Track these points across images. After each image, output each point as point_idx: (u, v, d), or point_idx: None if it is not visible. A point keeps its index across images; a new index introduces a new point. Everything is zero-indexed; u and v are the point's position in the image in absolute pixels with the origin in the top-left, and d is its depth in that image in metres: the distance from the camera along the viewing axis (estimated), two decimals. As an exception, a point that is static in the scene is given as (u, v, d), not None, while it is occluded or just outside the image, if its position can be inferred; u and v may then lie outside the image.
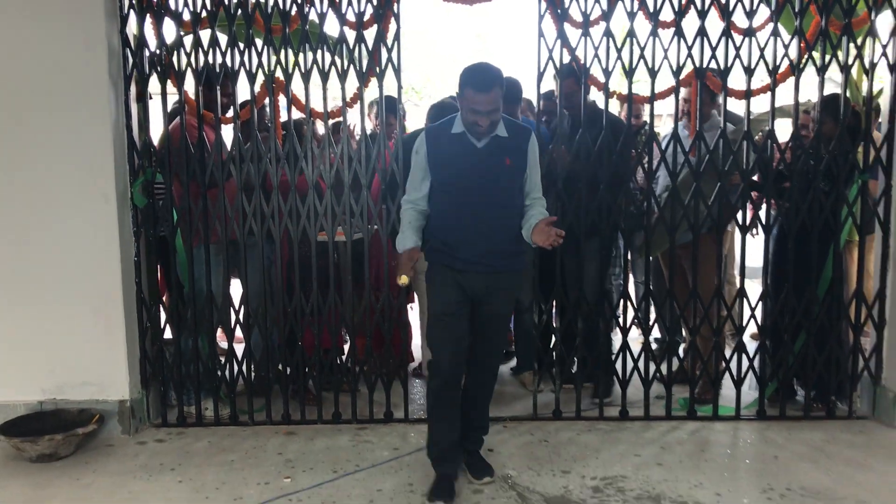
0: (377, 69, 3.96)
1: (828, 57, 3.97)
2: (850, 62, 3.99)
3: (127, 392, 3.99)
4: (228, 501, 3.25)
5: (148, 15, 3.95)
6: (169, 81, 3.99)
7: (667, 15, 3.96)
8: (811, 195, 4.02)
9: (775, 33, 3.95)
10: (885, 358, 4.15)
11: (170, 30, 3.99)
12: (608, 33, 3.94)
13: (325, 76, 3.97)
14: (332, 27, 4.00)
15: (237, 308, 4.17)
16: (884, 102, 4.27)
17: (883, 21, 4.00)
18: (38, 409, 3.93)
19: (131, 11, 3.92)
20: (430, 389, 3.27)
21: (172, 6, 3.96)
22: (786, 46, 3.97)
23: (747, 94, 4.00)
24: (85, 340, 3.94)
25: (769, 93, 4.02)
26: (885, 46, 3.98)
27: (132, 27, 3.96)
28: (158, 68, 3.97)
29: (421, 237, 3.26)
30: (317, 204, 3.99)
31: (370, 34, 3.97)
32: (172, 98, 4.13)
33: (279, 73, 3.99)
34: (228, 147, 4.06)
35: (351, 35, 3.97)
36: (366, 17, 3.96)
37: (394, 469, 3.57)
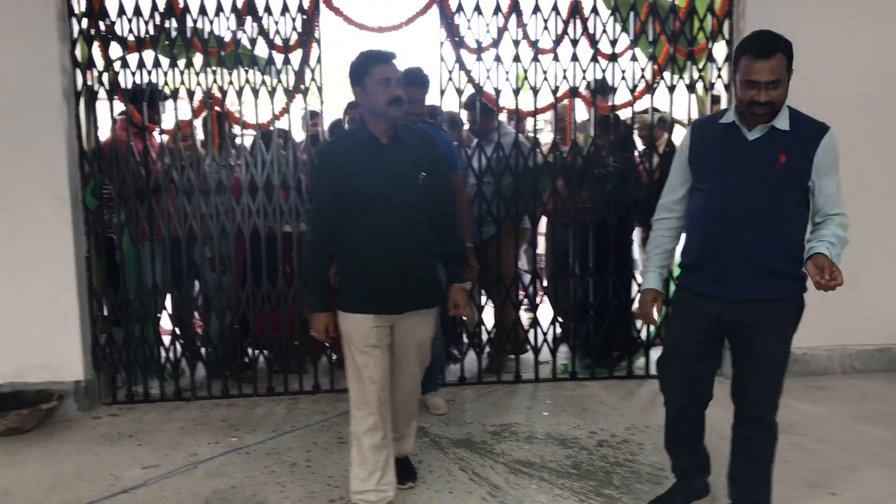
0: (302, 87, 4.59)
1: (676, 77, 4.85)
2: (694, 82, 4.87)
3: (81, 374, 4.48)
4: (186, 457, 3.83)
5: (95, 40, 4.46)
6: (116, 97, 4.52)
7: (546, 43, 4.75)
8: (607, 195, 4.86)
9: (634, 58, 4.80)
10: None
11: (116, 51, 4.52)
12: (497, 58, 4.70)
13: (255, 93, 4.57)
14: (262, 50, 4.61)
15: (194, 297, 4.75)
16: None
17: (718, 49, 4.91)
18: (-1, 391, 4.38)
19: (80, 36, 4.42)
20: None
21: (119, 30, 4.48)
22: (643, 69, 4.82)
23: (612, 108, 4.84)
24: (42, 328, 4.41)
25: (630, 107, 4.89)
26: (720, 70, 4.88)
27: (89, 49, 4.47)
28: (105, 86, 4.49)
29: (661, 272, 2.94)
30: (249, 203, 4.59)
31: (296, 56, 4.59)
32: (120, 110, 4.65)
33: (216, 90, 4.56)
34: (164, 156, 4.59)
35: (279, 58, 4.58)
36: (291, 42, 4.58)
37: (325, 428, 4.21)
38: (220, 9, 4.47)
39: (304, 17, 4.54)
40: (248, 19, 4.52)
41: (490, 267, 4.88)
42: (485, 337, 5.00)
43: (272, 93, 4.59)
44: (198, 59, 4.56)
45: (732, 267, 2.68)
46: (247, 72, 4.54)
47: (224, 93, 4.55)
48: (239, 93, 4.57)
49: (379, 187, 2.92)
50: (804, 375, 4.86)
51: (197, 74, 4.53)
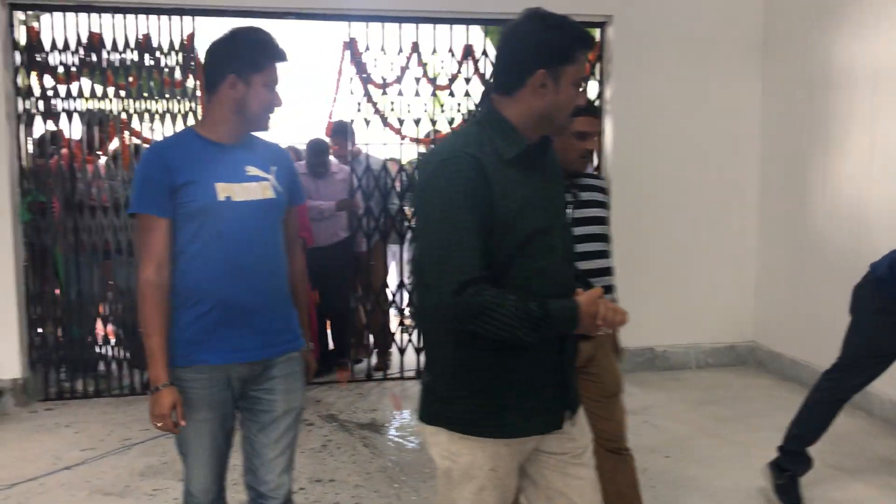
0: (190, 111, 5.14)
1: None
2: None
3: (19, 371, 4.91)
4: (120, 441, 4.33)
5: (33, 69, 4.94)
6: (50, 120, 5.01)
7: (442, 80, 5.46)
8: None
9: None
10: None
11: (50, 81, 5.00)
12: (400, 93, 5.39)
13: (161, 117, 5.12)
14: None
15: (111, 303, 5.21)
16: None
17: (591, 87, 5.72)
18: (-59, 389, 4.76)
19: (21, 67, 4.89)
20: None
21: (52, 62, 4.97)
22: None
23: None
24: (-18, 331, 4.83)
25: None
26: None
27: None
28: (41, 110, 4.98)
29: None
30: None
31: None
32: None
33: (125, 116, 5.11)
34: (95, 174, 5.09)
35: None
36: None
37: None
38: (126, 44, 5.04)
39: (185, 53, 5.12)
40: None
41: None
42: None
43: (170, 116, 5.11)
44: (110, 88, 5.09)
45: None
46: (146, 99, 5.09)
47: (130, 117, 5.10)
48: (141, 116, 5.11)
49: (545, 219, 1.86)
50: (664, 369, 5.68)
51: (110, 101, 5.05)
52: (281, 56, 2.27)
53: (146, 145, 5.12)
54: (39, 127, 5.04)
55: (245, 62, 2.20)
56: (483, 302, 1.68)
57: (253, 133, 2.34)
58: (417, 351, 5.61)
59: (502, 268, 1.76)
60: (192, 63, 5.10)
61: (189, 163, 2.21)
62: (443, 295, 1.70)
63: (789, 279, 5.51)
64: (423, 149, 5.93)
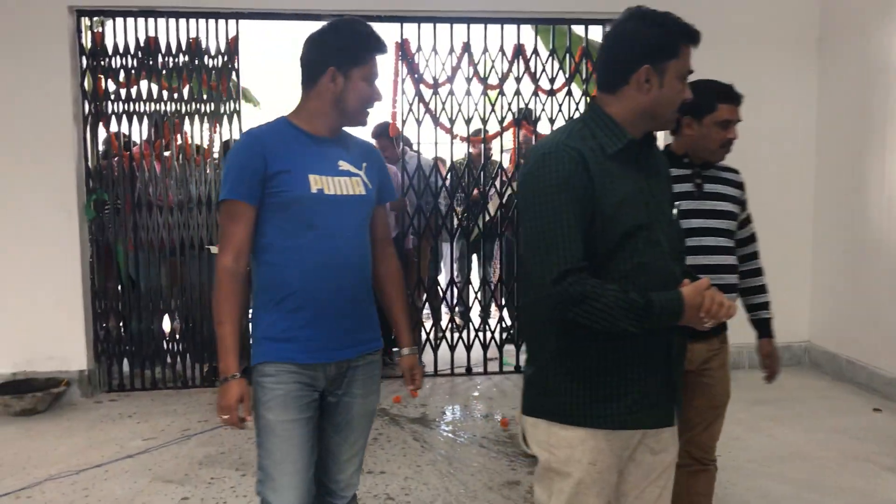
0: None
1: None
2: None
3: (85, 363, 5.11)
4: (180, 431, 4.48)
5: (97, 73, 5.14)
6: (112, 122, 5.21)
7: (493, 80, 5.50)
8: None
9: (569, 94, 5.57)
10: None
11: (112, 84, 5.20)
12: (451, 93, 5.45)
13: (209, 118, 5.27)
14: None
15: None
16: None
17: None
18: (13, 379, 4.98)
19: (87, 72, 5.10)
20: None
21: (114, 66, 5.16)
22: (577, 103, 5.59)
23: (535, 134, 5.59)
24: (51, 324, 5.05)
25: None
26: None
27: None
28: (105, 112, 5.17)
29: None
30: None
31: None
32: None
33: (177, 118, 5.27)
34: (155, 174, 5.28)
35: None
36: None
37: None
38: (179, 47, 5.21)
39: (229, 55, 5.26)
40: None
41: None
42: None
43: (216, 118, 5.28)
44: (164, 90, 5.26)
45: None
46: (195, 101, 5.25)
47: (182, 118, 5.27)
48: (191, 118, 5.27)
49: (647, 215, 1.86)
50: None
51: (164, 103, 5.23)
52: (382, 49, 2.20)
53: (199, 145, 5.30)
54: (103, 129, 5.24)
55: (346, 55, 2.14)
56: (583, 291, 1.69)
57: (345, 129, 2.28)
58: (467, 348, 5.67)
59: (604, 261, 1.77)
60: (236, 65, 5.25)
61: (284, 152, 2.13)
62: (544, 284, 1.72)
63: (846, 278, 5.41)
64: (473, 148, 6.01)
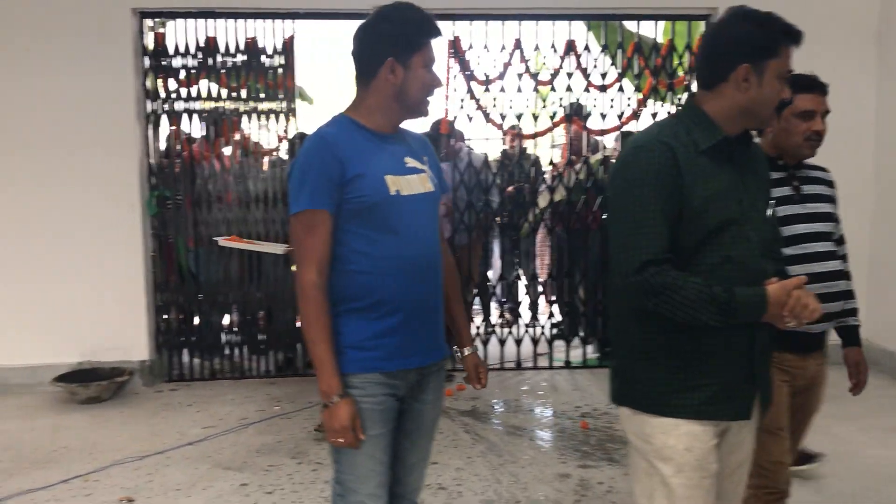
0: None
1: (658, 105, 5.60)
2: (673, 111, 5.62)
3: (147, 354, 5.29)
4: (237, 420, 4.61)
5: (159, 73, 5.30)
6: (174, 120, 5.37)
7: (544, 76, 5.52)
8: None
9: (621, 89, 5.56)
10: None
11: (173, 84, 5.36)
12: (502, 89, 5.48)
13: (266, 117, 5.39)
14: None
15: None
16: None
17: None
18: (79, 368, 5.18)
19: (149, 71, 5.27)
20: None
21: (175, 66, 5.33)
22: (629, 99, 5.58)
23: (602, 132, 5.60)
24: (114, 315, 5.24)
25: (619, 131, 5.65)
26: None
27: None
28: (166, 111, 5.34)
29: None
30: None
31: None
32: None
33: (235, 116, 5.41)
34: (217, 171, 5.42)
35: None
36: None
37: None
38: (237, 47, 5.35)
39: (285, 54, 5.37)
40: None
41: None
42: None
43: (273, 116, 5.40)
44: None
45: None
46: (252, 100, 5.39)
47: (240, 116, 5.40)
48: (249, 116, 5.41)
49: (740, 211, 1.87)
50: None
51: (224, 102, 5.37)
52: (437, 32, 2.10)
53: (257, 142, 5.43)
54: (165, 127, 5.40)
55: (402, 43, 2.02)
56: (664, 282, 1.72)
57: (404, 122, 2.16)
58: (517, 343, 5.71)
59: (692, 253, 1.79)
60: (292, 64, 5.37)
61: (357, 154, 2.00)
62: (627, 274, 1.76)
63: (905, 276, 5.30)
64: (525, 144, 6.03)
